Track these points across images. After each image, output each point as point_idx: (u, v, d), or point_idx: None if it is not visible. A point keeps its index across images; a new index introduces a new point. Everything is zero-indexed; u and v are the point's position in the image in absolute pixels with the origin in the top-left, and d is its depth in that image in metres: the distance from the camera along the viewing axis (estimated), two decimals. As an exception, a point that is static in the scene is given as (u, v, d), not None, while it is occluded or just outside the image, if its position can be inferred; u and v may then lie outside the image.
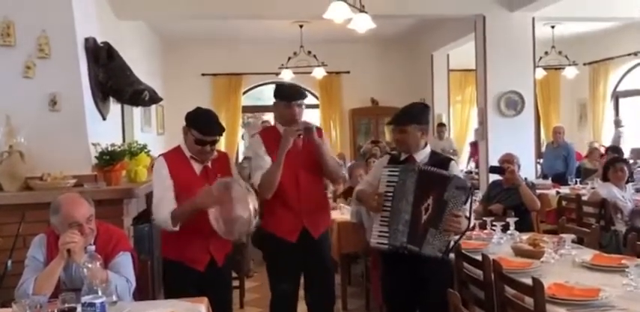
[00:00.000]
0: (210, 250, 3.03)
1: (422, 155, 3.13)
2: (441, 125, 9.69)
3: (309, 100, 10.94)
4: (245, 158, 8.81)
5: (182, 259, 3.00)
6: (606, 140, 10.38)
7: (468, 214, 2.90)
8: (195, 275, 2.98)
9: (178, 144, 3.11)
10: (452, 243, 2.95)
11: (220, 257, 3.09)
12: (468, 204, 2.90)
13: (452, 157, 4.30)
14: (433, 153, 3.21)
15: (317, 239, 3.35)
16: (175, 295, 2.67)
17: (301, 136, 3.25)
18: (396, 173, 3.00)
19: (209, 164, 3.07)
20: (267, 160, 3.27)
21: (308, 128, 3.25)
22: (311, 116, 10.74)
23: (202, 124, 2.97)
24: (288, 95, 3.33)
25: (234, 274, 4.77)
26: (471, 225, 3.06)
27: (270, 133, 3.41)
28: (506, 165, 4.57)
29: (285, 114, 3.31)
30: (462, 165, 9.32)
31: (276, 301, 3.42)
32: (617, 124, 10.16)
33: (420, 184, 2.92)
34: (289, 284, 3.37)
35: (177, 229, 2.92)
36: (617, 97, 10.76)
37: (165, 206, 2.92)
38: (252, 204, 2.89)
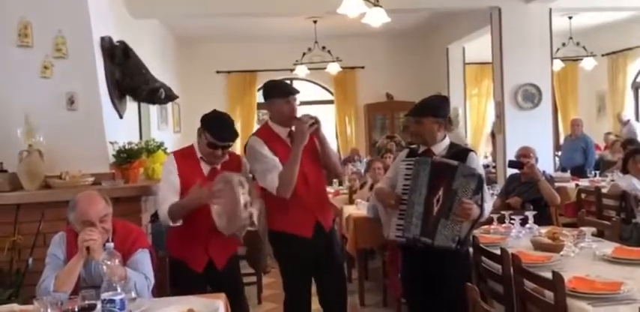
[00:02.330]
0: (208, 252, 3.03)
1: (440, 148, 3.11)
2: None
3: (325, 95, 11.04)
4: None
5: (183, 257, 3.02)
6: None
7: (479, 202, 2.86)
8: (193, 275, 3.00)
9: (192, 143, 3.12)
10: (464, 233, 2.91)
11: (220, 260, 3.08)
12: (481, 192, 2.86)
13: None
14: (452, 145, 3.17)
15: (328, 232, 3.36)
16: (180, 293, 2.65)
17: (314, 128, 3.18)
18: (412, 166, 3.01)
19: (218, 166, 3.08)
20: (276, 160, 3.15)
21: (318, 121, 3.21)
22: (326, 112, 10.75)
23: (216, 129, 2.96)
24: (285, 91, 3.27)
25: (251, 270, 4.82)
26: (486, 213, 3.00)
27: (266, 132, 3.29)
28: (525, 160, 4.52)
29: (284, 110, 3.21)
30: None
31: (291, 301, 3.37)
32: (622, 120, 9.94)
33: (432, 176, 2.92)
34: (304, 282, 3.35)
35: (177, 224, 2.94)
36: (637, 88, 10.60)
37: (166, 202, 2.94)
38: (244, 199, 2.83)
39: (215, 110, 3.11)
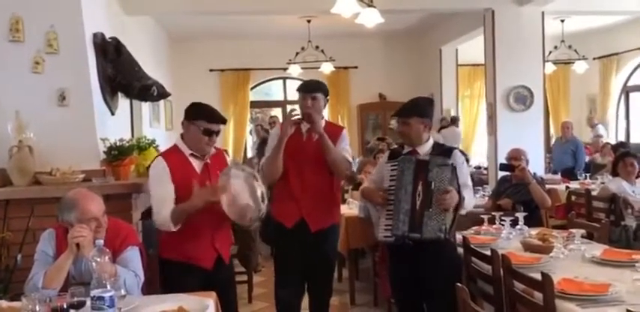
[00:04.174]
0: (216, 247, 3.01)
1: (425, 148, 3.17)
2: None
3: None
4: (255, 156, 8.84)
5: (187, 258, 2.95)
6: (613, 135, 10.35)
7: (458, 189, 2.94)
8: (202, 274, 2.95)
9: (174, 143, 3.08)
10: (449, 222, 2.97)
11: (226, 254, 3.09)
12: (456, 180, 2.96)
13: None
14: (436, 145, 3.24)
15: (314, 234, 3.36)
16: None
17: (294, 123, 3.33)
18: (396, 166, 3.06)
19: (209, 161, 3.04)
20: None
21: (310, 119, 3.30)
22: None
23: (208, 113, 2.99)
24: (302, 87, 3.48)
25: (242, 269, 4.81)
26: (467, 201, 3.06)
27: None
28: (517, 163, 4.54)
29: (300, 105, 3.42)
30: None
31: (280, 289, 3.48)
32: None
33: (415, 173, 2.99)
34: (290, 269, 3.43)
35: (176, 229, 2.89)
36: (627, 91, 10.68)
37: (166, 208, 2.87)
38: (260, 189, 2.88)
39: (194, 102, 3.10)
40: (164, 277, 3.01)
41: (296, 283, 3.46)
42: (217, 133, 3.01)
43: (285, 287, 3.47)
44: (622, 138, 10.27)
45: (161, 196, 2.91)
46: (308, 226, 3.36)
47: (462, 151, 3.56)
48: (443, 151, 3.16)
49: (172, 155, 3.01)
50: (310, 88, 3.44)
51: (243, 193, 2.88)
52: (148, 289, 2.80)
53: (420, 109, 3.18)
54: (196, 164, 3.01)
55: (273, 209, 3.48)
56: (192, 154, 3.00)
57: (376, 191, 3.16)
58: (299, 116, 3.34)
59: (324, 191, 3.46)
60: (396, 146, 3.41)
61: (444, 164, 2.95)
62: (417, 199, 2.96)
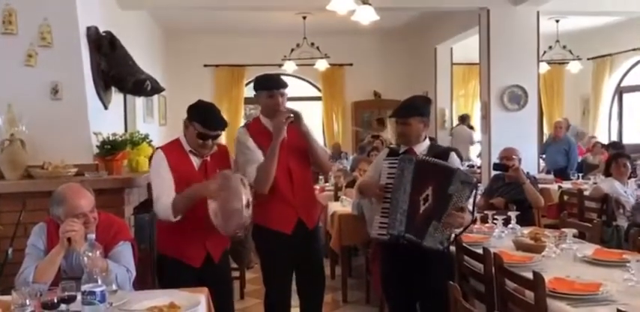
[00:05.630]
0: (206, 246, 2.99)
1: (421, 147, 3.15)
2: None
3: (313, 92, 11.03)
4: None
5: (178, 255, 2.95)
6: (605, 135, 10.37)
7: (471, 209, 2.90)
8: (192, 272, 2.94)
9: (177, 136, 3.05)
10: (453, 236, 2.97)
11: (217, 253, 3.05)
12: (471, 198, 2.90)
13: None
14: (432, 145, 3.23)
15: (311, 230, 3.32)
16: None
17: (289, 121, 3.16)
18: (395, 164, 3.02)
19: (208, 158, 3.01)
20: (259, 153, 3.16)
21: (297, 115, 3.18)
22: (314, 108, 10.75)
23: (206, 118, 2.90)
24: (270, 84, 3.24)
25: (234, 266, 4.80)
26: (473, 219, 3.07)
27: (255, 125, 3.31)
28: (510, 162, 4.55)
29: (268, 104, 3.21)
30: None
31: (270, 296, 3.36)
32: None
33: (417, 174, 2.93)
34: (284, 277, 3.33)
35: (176, 219, 2.85)
36: (620, 92, 10.72)
37: (166, 198, 2.84)
38: (246, 197, 2.79)
39: (200, 100, 3.05)
40: (159, 270, 3.02)
41: (290, 285, 3.41)
42: (215, 137, 2.93)
43: (281, 292, 3.34)
44: (615, 138, 10.31)
45: (160, 184, 2.89)
46: (306, 225, 3.27)
47: (458, 152, 3.54)
48: (440, 152, 3.13)
49: (172, 149, 2.98)
50: (278, 85, 3.23)
51: (234, 202, 2.77)
52: (140, 284, 2.79)
53: (420, 108, 3.15)
54: (195, 161, 2.99)
55: (263, 217, 3.20)
56: (191, 151, 2.98)
57: (374, 184, 3.11)
58: (290, 117, 3.15)
59: (309, 186, 3.43)
60: (392, 146, 3.37)
61: (468, 182, 2.85)
62: (420, 202, 2.90)
